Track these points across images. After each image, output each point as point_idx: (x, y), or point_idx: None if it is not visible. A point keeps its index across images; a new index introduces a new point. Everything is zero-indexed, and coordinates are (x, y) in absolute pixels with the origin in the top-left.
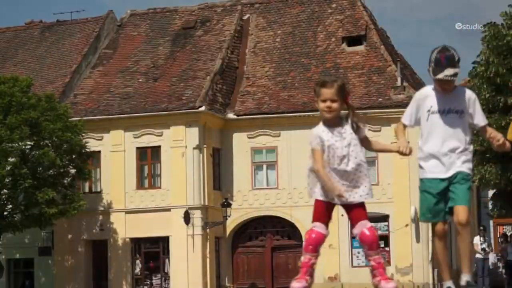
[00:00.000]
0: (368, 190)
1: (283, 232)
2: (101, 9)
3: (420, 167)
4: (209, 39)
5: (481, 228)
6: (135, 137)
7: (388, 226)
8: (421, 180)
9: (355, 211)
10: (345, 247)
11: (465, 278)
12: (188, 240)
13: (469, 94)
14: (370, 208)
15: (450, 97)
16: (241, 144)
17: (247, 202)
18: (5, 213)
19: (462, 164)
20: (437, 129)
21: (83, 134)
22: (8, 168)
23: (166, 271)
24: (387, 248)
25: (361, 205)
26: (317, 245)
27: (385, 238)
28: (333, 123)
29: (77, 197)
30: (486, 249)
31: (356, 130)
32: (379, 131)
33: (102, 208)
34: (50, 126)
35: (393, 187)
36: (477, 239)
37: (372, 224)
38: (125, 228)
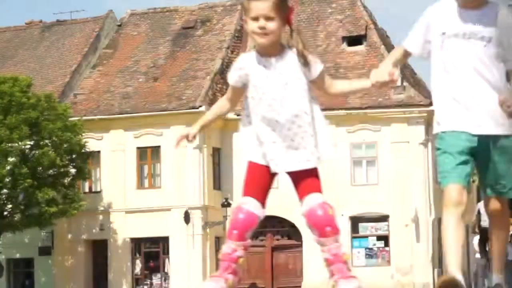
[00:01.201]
0: (310, 153)
1: (283, 232)
2: (101, 9)
3: (437, 121)
4: (209, 39)
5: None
6: (135, 137)
7: (388, 226)
8: (436, 136)
9: (301, 181)
10: (345, 247)
11: (495, 279)
12: (188, 240)
13: (504, 15)
14: (370, 208)
15: (475, 16)
16: None
17: None
18: (5, 213)
19: (498, 119)
20: (453, 61)
21: (83, 134)
22: (8, 168)
23: (166, 271)
24: (387, 248)
25: (311, 173)
26: (245, 230)
27: (385, 238)
28: (270, 52)
29: (77, 197)
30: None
31: (304, 64)
32: (379, 131)
33: (102, 208)
34: (50, 126)
35: (393, 187)
36: (477, 239)
37: (325, 198)
38: (125, 228)
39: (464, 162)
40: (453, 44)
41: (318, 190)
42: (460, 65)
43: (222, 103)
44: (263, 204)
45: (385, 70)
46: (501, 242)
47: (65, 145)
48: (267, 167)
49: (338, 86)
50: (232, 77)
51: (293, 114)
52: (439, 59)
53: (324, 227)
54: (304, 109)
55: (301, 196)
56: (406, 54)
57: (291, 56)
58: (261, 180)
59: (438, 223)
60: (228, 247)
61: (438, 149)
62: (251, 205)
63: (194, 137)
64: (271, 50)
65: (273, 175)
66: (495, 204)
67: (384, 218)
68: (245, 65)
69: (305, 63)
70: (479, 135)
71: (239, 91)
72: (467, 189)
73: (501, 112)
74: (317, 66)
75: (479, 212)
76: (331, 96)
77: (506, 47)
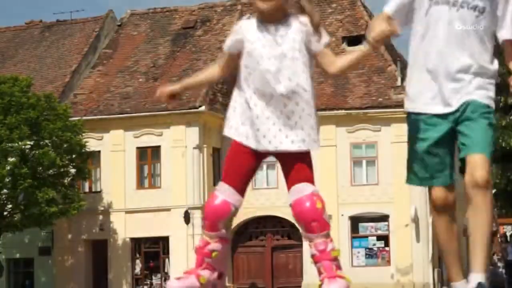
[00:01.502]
0: (307, 135)
1: (283, 232)
2: (101, 9)
3: (407, 95)
4: (209, 39)
5: None
6: (135, 137)
7: (388, 226)
8: (408, 116)
9: (291, 167)
10: (345, 247)
11: (476, 279)
12: (188, 240)
13: None
14: (370, 208)
15: None
16: None
17: (247, 202)
18: (5, 213)
19: (475, 91)
20: (438, 31)
21: (83, 134)
22: (8, 168)
23: (166, 271)
24: (387, 248)
25: (301, 158)
26: (217, 220)
27: (385, 238)
28: (271, 18)
29: (77, 197)
30: None
31: (311, 32)
32: (379, 131)
33: (102, 208)
34: (50, 126)
35: (393, 187)
36: None
37: (316, 189)
38: (125, 228)
39: (435, 153)
40: (440, 10)
41: (309, 179)
42: (444, 35)
43: (212, 69)
44: (241, 190)
45: (382, 22)
46: (482, 228)
47: (65, 145)
48: (253, 149)
49: (338, 63)
50: (228, 42)
51: (289, 89)
52: (421, 26)
53: (310, 221)
54: (302, 85)
55: (290, 184)
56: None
57: (294, 25)
58: (243, 164)
59: None
60: (201, 240)
61: (409, 132)
62: (226, 192)
63: (176, 95)
64: (273, 17)
65: (260, 156)
66: (471, 167)
67: (384, 218)
68: (242, 31)
69: (312, 30)
70: (452, 112)
71: (232, 58)
72: (452, 186)
73: (485, 91)
74: (323, 37)
75: None
76: (333, 75)
77: (501, 15)
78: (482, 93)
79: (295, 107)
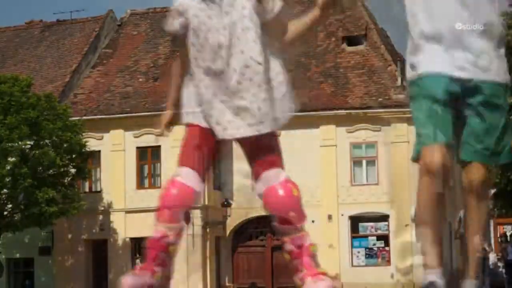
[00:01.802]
0: (265, 114)
1: None
2: (101, 9)
3: (411, 64)
4: None
5: None
6: (135, 137)
7: (388, 226)
8: (413, 82)
9: (256, 152)
10: (345, 246)
11: (470, 285)
12: (188, 240)
13: None
14: (370, 208)
15: None
16: None
17: (247, 202)
18: (5, 212)
19: (490, 64)
20: None
21: (83, 134)
22: (8, 167)
23: None
24: (387, 248)
25: (267, 140)
26: (179, 208)
27: (385, 238)
28: None
29: (77, 197)
30: (486, 248)
31: (260, 2)
32: (379, 131)
33: (102, 208)
34: (50, 126)
35: (393, 187)
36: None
37: (288, 176)
38: (125, 228)
39: (442, 111)
40: None
41: (278, 164)
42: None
43: (179, 70)
44: (203, 176)
45: None
46: (478, 229)
47: (65, 145)
48: (211, 131)
49: (291, 30)
50: (172, 24)
51: (242, 64)
52: None
53: (287, 211)
54: (255, 58)
55: (257, 172)
56: None
57: None
58: (202, 147)
59: None
60: (156, 231)
61: (412, 98)
62: (188, 177)
63: (175, 116)
64: None
65: (218, 141)
66: (473, 174)
67: (384, 218)
68: (183, 6)
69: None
70: (462, 80)
71: (185, 42)
72: (452, 149)
73: (488, 55)
74: (275, 3)
75: (460, 219)
76: (288, 45)
77: None
78: (499, 66)
79: (249, 83)
